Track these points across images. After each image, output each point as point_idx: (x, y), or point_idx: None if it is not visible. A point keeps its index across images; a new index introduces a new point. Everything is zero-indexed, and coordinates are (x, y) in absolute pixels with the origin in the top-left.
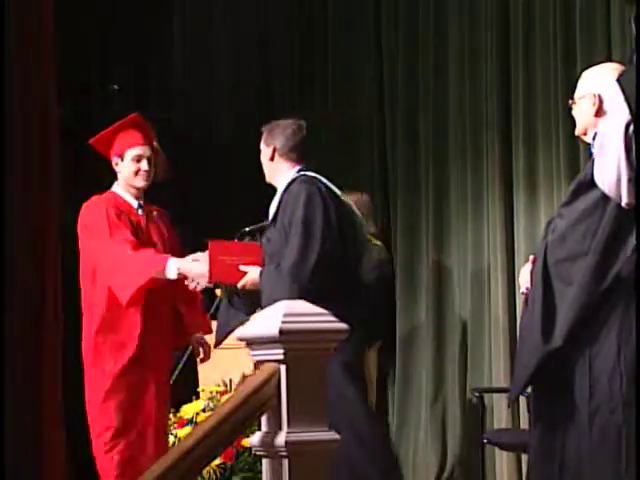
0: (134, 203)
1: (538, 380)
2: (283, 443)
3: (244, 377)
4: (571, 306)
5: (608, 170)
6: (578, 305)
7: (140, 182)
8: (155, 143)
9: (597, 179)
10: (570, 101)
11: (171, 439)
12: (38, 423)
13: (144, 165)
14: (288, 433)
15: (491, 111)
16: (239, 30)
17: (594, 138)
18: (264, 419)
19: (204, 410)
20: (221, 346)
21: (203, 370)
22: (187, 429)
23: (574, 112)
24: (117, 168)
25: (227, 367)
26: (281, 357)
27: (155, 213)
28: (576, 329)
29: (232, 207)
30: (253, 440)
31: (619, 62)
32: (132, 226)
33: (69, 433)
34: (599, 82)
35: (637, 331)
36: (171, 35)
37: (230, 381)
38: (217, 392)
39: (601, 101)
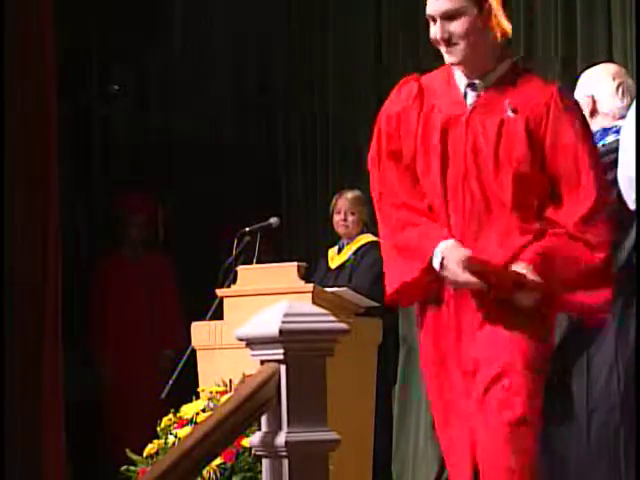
0: (462, 83)
1: None
2: (283, 443)
3: (244, 377)
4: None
5: (624, 167)
6: None
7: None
8: None
9: (619, 176)
10: None
11: (171, 439)
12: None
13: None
14: (288, 433)
15: None
16: (239, 30)
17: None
18: (264, 419)
19: (204, 410)
20: (221, 346)
21: (203, 370)
22: (187, 429)
23: None
24: None
25: (227, 367)
26: (281, 357)
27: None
28: (573, 331)
29: (232, 207)
30: (253, 440)
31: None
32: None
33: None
34: (593, 83)
35: (637, 331)
36: (171, 34)
37: (230, 381)
38: (217, 392)
39: (594, 102)
